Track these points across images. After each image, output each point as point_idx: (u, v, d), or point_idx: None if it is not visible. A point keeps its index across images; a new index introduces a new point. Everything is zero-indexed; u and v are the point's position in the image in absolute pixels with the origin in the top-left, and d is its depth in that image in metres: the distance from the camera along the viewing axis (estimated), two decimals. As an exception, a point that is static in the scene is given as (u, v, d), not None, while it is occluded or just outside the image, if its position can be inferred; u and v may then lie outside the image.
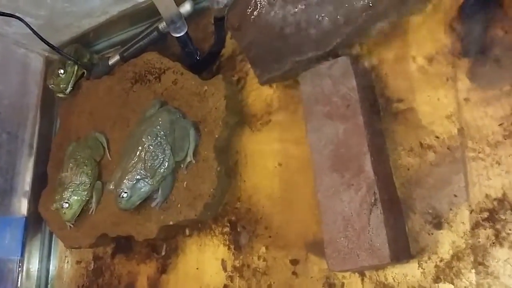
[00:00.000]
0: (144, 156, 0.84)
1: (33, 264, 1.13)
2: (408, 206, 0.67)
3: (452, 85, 0.67)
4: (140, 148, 0.85)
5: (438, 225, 0.64)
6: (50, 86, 1.13)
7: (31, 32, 1.00)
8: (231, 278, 0.82)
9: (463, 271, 0.61)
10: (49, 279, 1.13)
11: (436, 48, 0.70)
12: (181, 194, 0.85)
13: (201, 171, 0.84)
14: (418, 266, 0.65)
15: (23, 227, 1.12)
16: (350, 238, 0.64)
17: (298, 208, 0.77)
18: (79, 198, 0.97)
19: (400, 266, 0.66)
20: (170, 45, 1.01)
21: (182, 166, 0.86)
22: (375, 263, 0.62)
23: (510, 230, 0.59)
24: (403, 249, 0.65)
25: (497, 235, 0.60)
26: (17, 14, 0.99)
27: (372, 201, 0.63)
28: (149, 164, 0.84)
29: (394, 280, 0.66)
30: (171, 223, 0.85)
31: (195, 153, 0.85)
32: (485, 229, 0.61)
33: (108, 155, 1.00)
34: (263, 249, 0.79)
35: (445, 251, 0.63)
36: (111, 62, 1.07)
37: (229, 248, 0.84)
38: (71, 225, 0.99)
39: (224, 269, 0.83)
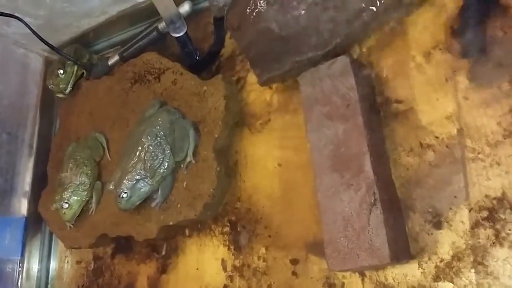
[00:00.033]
0: (144, 156, 0.84)
1: (33, 264, 1.13)
2: (408, 206, 0.67)
3: (452, 85, 0.67)
4: (139, 148, 0.85)
5: (438, 225, 0.64)
6: (49, 86, 1.13)
7: (31, 32, 1.00)
8: (231, 278, 0.82)
9: (463, 270, 0.61)
10: (49, 279, 1.13)
11: (435, 48, 0.69)
12: (181, 194, 0.85)
13: (201, 171, 0.84)
14: (418, 266, 0.65)
15: (23, 227, 1.12)
16: (350, 238, 0.64)
17: (298, 208, 0.77)
18: (79, 198, 0.97)
19: (400, 266, 0.66)
20: (170, 45, 1.01)
21: (181, 166, 0.86)
22: (375, 263, 0.62)
23: (509, 230, 0.59)
24: (403, 249, 0.65)
25: (497, 235, 0.60)
26: (16, 14, 0.99)
27: (372, 201, 0.63)
28: (148, 164, 0.84)
29: (394, 280, 0.66)
30: (171, 223, 0.85)
31: (194, 153, 0.85)
32: (484, 229, 0.61)
33: (108, 155, 1.00)
34: (263, 249, 0.79)
35: (445, 251, 0.63)
36: (110, 62, 1.07)
37: (229, 248, 0.84)
38: (71, 225, 0.99)
39: (224, 269, 0.83)
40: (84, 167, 0.99)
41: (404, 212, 0.67)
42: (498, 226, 0.60)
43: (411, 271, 0.65)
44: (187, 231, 0.90)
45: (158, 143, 0.85)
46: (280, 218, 0.79)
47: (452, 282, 0.62)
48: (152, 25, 1.02)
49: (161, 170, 0.85)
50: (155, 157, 0.84)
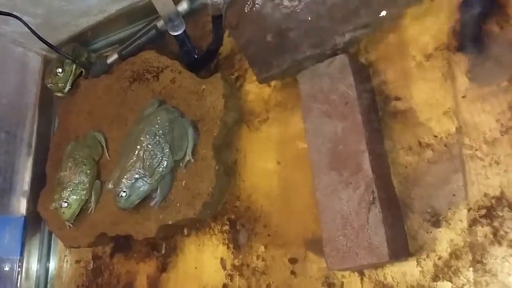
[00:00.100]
0: (143, 155, 0.84)
1: (32, 264, 1.13)
2: (407, 204, 0.67)
3: (450, 82, 0.67)
4: (138, 147, 0.85)
5: (437, 223, 0.64)
6: (48, 85, 1.13)
7: (29, 31, 1.00)
8: (230, 276, 0.82)
9: (461, 269, 0.61)
10: (49, 278, 1.13)
11: (433, 45, 0.69)
12: (180, 193, 0.85)
13: (200, 170, 0.84)
14: (417, 265, 0.65)
15: (22, 227, 1.12)
16: (348, 237, 0.64)
17: (297, 207, 0.77)
18: (78, 197, 0.97)
19: (399, 264, 0.66)
20: (168, 43, 1.01)
21: (180, 165, 0.86)
22: (373, 261, 0.62)
23: (508, 228, 0.59)
24: (401, 247, 0.65)
25: (495, 233, 0.60)
26: (14, 13, 0.99)
27: (371, 199, 0.63)
28: (147, 163, 0.84)
29: (393, 280, 0.66)
30: (170, 222, 0.85)
31: (193, 152, 0.85)
32: (482, 227, 0.61)
33: (107, 154, 1.00)
34: (262, 247, 0.79)
35: (443, 249, 0.63)
36: (109, 60, 1.07)
37: (228, 247, 0.84)
38: (70, 225, 0.99)
39: (224, 267, 0.83)
40: (83, 166, 0.99)
41: (403, 210, 0.67)
42: (496, 224, 0.60)
43: (410, 269, 0.65)
44: (186, 230, 0.90)
45: (157, 142, 0.85)
46: (279, 217, 0.79)
47: (450, 281, 0.62)
48: (151, 23, 1.01)
49: (160, 169, 0.84)
50: (154, 156, 0.84)
